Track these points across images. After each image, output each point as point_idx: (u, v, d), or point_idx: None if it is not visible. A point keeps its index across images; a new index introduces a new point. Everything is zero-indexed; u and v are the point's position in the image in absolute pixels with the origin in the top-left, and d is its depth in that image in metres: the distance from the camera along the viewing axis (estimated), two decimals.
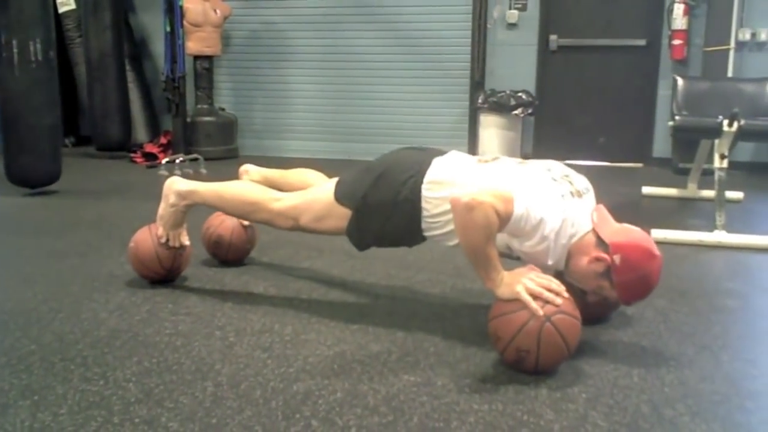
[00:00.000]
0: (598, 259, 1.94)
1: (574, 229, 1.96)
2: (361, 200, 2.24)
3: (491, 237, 1.87)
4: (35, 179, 4.48)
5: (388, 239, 2.31)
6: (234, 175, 2.83)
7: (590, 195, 2.11)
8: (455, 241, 2.11)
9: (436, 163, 2.19)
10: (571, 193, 2.02)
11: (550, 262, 1.98)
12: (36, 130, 4.35)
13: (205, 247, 2.88)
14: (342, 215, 2.27)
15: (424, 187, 2.14)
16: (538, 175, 2.05)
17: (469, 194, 1.86)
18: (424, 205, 2.15)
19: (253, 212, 2.45)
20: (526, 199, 1.90)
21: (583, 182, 2.12)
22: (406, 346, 2.07)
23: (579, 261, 1.98)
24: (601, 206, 2.09)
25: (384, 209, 2.21)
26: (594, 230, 1.98)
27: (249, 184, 2.58)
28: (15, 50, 4.21)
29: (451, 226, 2.08)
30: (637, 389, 1.80)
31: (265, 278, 2.74)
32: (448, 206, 2.05)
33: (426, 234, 2.21)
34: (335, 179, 2.37)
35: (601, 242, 1.95)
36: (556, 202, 1.95)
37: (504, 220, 1.88)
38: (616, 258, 1.91)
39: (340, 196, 2.28)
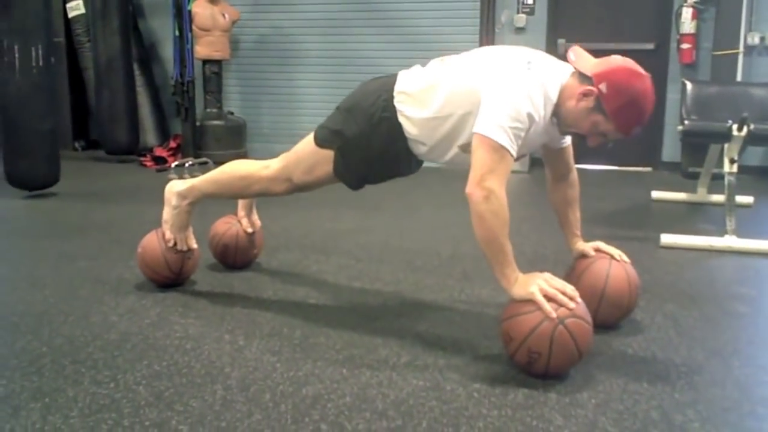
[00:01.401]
0: (585, 94, 1.93)
1: (555, 86, 1.96)
2: (339, 136, 2.24)
3: (506, 225, 1.89)
4: (33, 182, 4.54)
5: (377, 169, 2.30)
6: None
7: (552, 57, 2.10)
8: (449, 155, 2.13)
9: (402, 75, 2.20)
10: (538, 56, 2.02)
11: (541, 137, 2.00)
12: (35, 134, 4.40)
13: (212, 254, 2.89)
14: (329, 158, 2.27)
15: (395, 101, 2.15)
16: (497, 56, 2.05)
17: (479, 183, 1.87)
18: (400, 119, 2.14)
19: (248, 186, 2.47)
20: (499, 119, 1.89)
21: (540, 52, 2.11)
22: (415, 350, 2.07)
23: (568, 105, 1.98)
24: (576, 46, 2.08)
25: (363, 137, 2.20)
26: (575, 71, 1.99)
27: (238, 162, 2.58)
28: (16, 55, 4.25)
29: (437, 136, 2.10)
30: (647, 395, 1.80)
31: (274, 282, 2.75)
32: (426, 114, 2.08)
33: (416, 152, 2.20)
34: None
35: (584, 78, 1.95)
36: (527, 78, 1.93)
37: (509, 171, 1.91)
38: (602, 86, 1.90)
39: (320, 140, 2.30)
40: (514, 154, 1.91)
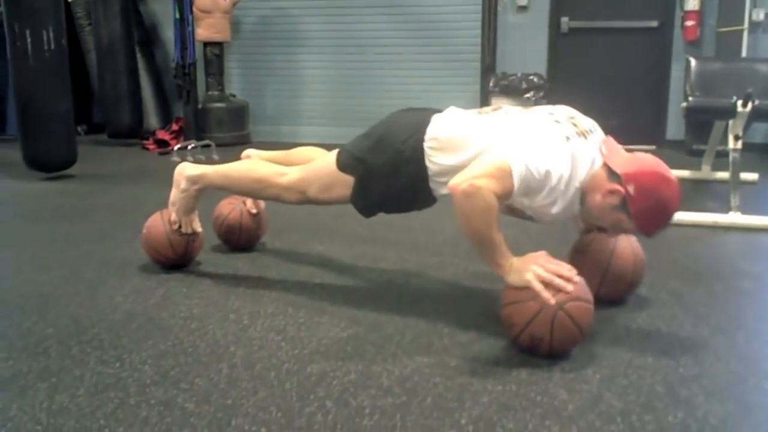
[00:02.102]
0: (611, 192, 1.91)
1: (584, 170, 1.93)
2: (363, 166, 2.22)
3: (493, 221, 1.85)
4: (52, 164, 4.60)
5: (394, 203, 2.29)
6: None
7: (597, 134, 2.06)
8: None
9: (436, 119, 2.16)
10: (577, 134, 1.97)
11: (561, 212, 1.95)
12: (51, 116, 4.45)
13: (216, 235, 2.89)
14: (348, 183, 2.25)
15: (425, 144, 2.12)
16: (539, 120, 2.01)
17: (467, 180, 1.84)
18: (428, 164, 2.12)
19: (261, 189, 2.45)
20: (525, 156, 1.86)
21: (588, 122, 2.07)
22: (419, 327, 2.08)
23: (593, 198, 1.95)
24: (610, 138, 2.06)
25: (386, 172, 2.18)
26: (605, 164, 1.95)
27: (255, 162, 2.57)
28: (29, 40, 4.28)
29: None
30: (652, 369, 1.80)
31: (278, 263, 2.75)
32: (454, 161, 2.04)
33: (436, 193, 2.18)
34: (337, 149, 2.35)
35: (613, 174, 1.92)
36: (560, 147, 1.91)
37: (505, 196, 1.87)
38: (630, 188, 1.88)
39: (342, 164, 2.27)
40: (516, 188, 1.86)
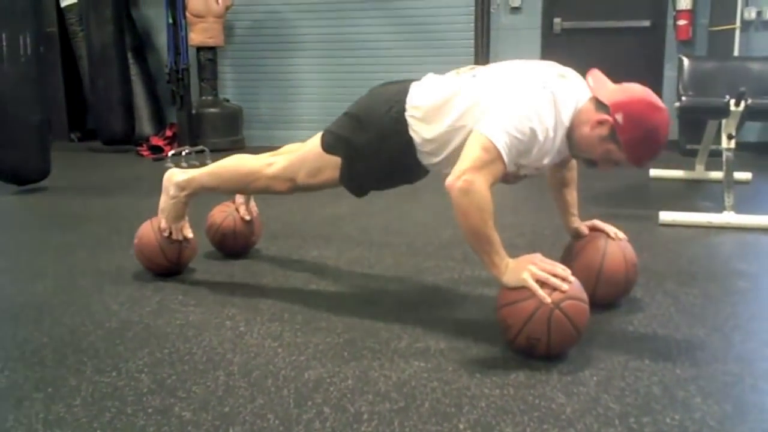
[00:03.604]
0: (600, 123, 1.90)
1: (569, 110, 1.93)
2: (348, 144, 2.21)
3: (490, 218, 1.86)
4: (23, 176, 4.42)
5: (384, 178, 2.28)
6: None
7: (576, 75, 2.05)
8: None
9: (414, 87, 2.15)
10: (557, 76, 1.97)
11: (554, 158, 1.96)
12: (24, 127, 4.28)
13: (211, 243, 2.88)
14: (335, 164, 2.24)
15: (407, 114, 2.11)
16: (515, 73, 2.01)
17: (460, 176, 1.85)
18: (411, 134, 2.10)
19: (250, 183, 2.43)
20: (504, 125, 1.86)
21: (565, 68, 2.06)
22: (416, 332, 2.07)
23: (582, 131, 1.94)
24: (596, 70, 2.04)
25: (372, 148, 2.17)
26: (592, 96, 1.95)
27: (241, 157, 2.55)
28: (4, 44, 4.15)
29: (449, 149, 2.06)
30: (649, 371, 1.80)
31: (274, 268, 2.75)
32: (437, 130, 2.05)
33: (425, 163, 2.17)
34: (321, 132, 2.34)
35: (601, 105, 1.92)
36: (539, 98, 1.90)
37: (500, 178, 1.88)
38: (619, 116, 1.88)
39: (327, 145, 2.26)
40: (507, 162, 1.87)
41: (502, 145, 1.85)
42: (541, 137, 1.89)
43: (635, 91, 1.94)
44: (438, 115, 2.06)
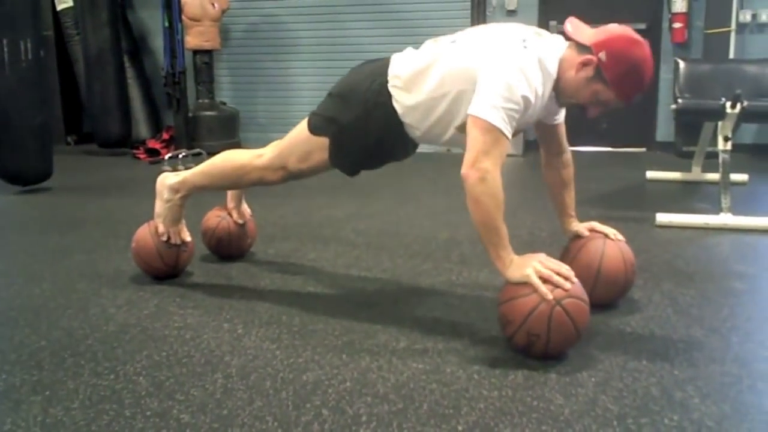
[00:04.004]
0: (584, 64, 1.94)
1: (553, 62, 1.96)
2: (334, 124, 2.22)
3: (501, 208, 1.88)
4: (26, 177, 4.52)
5: (374, 155, 2.28)
6: None
7: (550, 34, 2.08)
8: (446, 136, 2.11)
9: (395, 58, 2.18)
10: (534, 34, 2.01)
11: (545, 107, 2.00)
12: (26, 129, 4.37)
13: (207, 248, 2.88)
14: (324, 146, 2.24)
15: (390, 85, 2.12)
16: (494, 35, 2.02)
17: (474, 164, 1.86)
18: (395, 105, 2.12)
19: (242, 176, 2.43)
20: (493, 99, 1.87)
21: (539, 29, 2.09)
22: (414, 334, 2.07)
23: (567, 75, 1.98)
24: (572, 18, 2.08)
25: (358, 124, 2.18)
26: (573, 42, 1.99)
27: (230, 152, 2.55)
28: (5, 49, 4.21)
29: (433, 117, 2.08)
30: (647, 372, 1.81)
31: (271, 271, 2.75)
32: (423, 95, 2.06)
33: (412, 135, 2.18)
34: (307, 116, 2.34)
35: (582, 48, 1.96)
36: (522, 59, 1.91)
37: (505, 155, 1.90)
38: (602, 55, 1.91)
39: (313, 127, 2.27)
40: (509, 135, 1.90)
41: (500, 122, 1.88)
42: (533, 99, 1.92)
43: (614, 29, 1.98)
44: (418, 82, 2.08)
